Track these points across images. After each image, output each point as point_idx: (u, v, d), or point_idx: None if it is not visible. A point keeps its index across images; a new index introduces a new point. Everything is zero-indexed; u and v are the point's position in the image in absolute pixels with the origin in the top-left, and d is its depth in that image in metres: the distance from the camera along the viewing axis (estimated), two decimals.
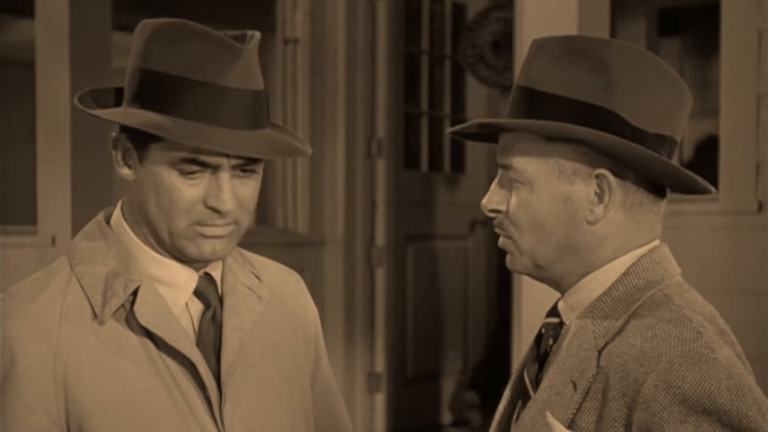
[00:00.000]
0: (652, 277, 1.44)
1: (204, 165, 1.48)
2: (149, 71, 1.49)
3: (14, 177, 6.48)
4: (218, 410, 1.53)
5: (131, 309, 1.52)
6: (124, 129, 1.52)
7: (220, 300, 1.59)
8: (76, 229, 4.97)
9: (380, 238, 5.52)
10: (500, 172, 1.50)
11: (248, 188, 1.52)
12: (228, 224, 1.51)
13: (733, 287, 3.96)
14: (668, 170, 1.43)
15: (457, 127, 1.55)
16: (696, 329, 1.36)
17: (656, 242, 1.48)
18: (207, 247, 1.52)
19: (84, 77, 4.64)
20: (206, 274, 1.58)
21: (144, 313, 1.51)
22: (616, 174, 1.42)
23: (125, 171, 1.53)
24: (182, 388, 1.52)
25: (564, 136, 1.42)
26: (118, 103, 1.57)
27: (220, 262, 1.60)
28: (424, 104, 5.80)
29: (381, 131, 5.49)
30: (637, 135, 1.41)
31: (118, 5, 4.79)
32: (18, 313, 1.52)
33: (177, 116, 1.47)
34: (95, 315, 1.51)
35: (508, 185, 1.48)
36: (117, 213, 1.60)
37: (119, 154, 1.53)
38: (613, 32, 4.50)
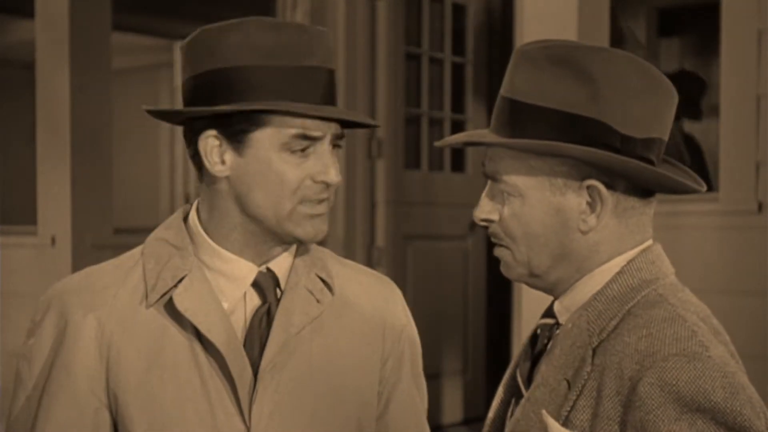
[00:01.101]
0: (646, 277, 1.45)
1: (312, 139, 1.54)
2: (227, 68, 1.53)
3: (14, 177, 6.48)
4: (248, 405, 1.55)
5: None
6: (214, 126, 1.55)
7: (279, 298, 1.61)
8: (75, 229, 4.97)
9: (380, 238, 5.52)
10: (489, 182, 1.51)
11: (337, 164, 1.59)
12: (327, 200, 1.58)
13: (733, 287, 3.96)
14: (659, 179, 1.43)
15: (445, 142, 1.55)
16: (690, 328, 1.37)
17: (649, 242, 1.48)
18: (312, 228, 1.57)
19: (84, 77, 4.64)
20: (268, 269, 1.62)
21: (183, 300, 1.56)
22: (606, 183, 1.43)
23: (219, 168, 1.57)
24: (215, 378, 1.56)
25: (555, 154, 1.42)
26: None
27: (287, 260, 1.64)
28: (424, 104, 5.80)
29: (381, 131, 5.49)
30: (626, 143, 1.42)
31: (118, 5, 4.79)
32: (82, 287, 1.61)
33: (265, 100, 1.53)
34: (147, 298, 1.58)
35: (499, 196, 1.48)
36: (193, 210, 1.65)
37: (212, 153, 1.57)
38: (613, 32, 4.50)
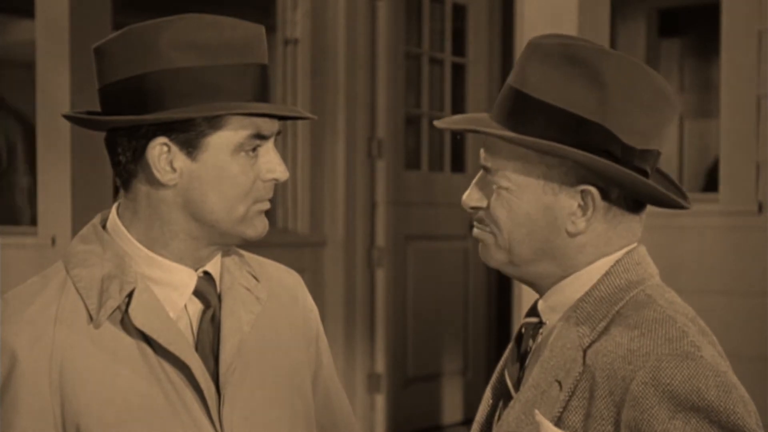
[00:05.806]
0: (633, 278, 1.46)
1: (263, 137, 1.53)
2: (174, 70, 1.48)
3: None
4: (216, 412, 1.53)
5: (126, 311, 1.51)
6: (164, 132, 1.50)
7: (219, 300, 1.58)
8: (76, 229, 4.97)
9: (380, 238, 5.52)
10: (482, 172, 1.50)
11: None
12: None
13: (733, 288, 3.95)
14: (654, 193, 1.44)
15: (448, 124, 1.52)
16: (681, 329, 1.39)
17: (634, 244, 1.49)
18: (261, 226, 1.55)
19: (84, 77, 4.64)
20: (205, 273, 1.58)
21: (139, 316, 1.50)
22: (601, 190, 1.44)
23: (169, 176, 1.51)
24: (179, 391, 1.51)
25: (557, 155, 1.42)
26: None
27: (218, 261, 1.60)
28: (424, 104, 5.80)
29: (381, 131, 5.49)
30: (626, 152, 1.42)
31: (118, 5, 4.79)
32: (13, 318, 1.51)
33: (222, 101, 1.49)
34: (91, 318, 1.51)
35: (490, 186, 1.48)
36: (113, 216, 1.58)
37: (160, 161, 1.50)
38: (613, 32, 4.50)
